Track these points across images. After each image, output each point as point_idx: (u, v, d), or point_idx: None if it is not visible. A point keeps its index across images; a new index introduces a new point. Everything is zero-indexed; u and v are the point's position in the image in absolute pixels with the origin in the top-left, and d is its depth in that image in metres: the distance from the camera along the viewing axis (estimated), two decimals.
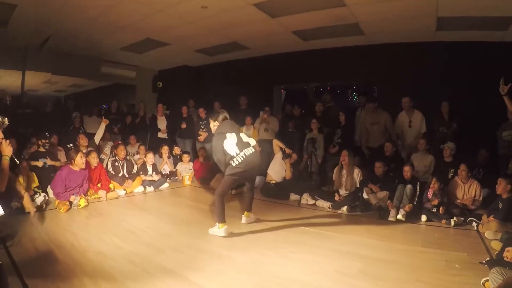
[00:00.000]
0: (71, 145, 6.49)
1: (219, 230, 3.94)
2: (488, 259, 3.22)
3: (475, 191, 4.95)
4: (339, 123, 6.82)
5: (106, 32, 7.14)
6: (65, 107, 8.14)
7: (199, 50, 8.52)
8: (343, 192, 5.58)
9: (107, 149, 7.28)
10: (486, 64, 6.10)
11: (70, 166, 5.31)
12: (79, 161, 5.27)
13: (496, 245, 3.64)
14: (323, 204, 5.53)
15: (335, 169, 5.84)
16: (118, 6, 5.74)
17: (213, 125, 4.30)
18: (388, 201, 5.10)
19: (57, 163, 6.03)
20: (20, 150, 5.95)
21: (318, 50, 7.96)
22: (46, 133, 6.03)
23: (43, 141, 5.91)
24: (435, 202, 4.88)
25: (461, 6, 5.16)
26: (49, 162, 5.87)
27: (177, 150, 7.96)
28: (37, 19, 6.29)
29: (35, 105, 8.03)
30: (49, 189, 5.41)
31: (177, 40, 7.67)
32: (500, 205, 4.29)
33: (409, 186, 4.97)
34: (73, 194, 5.02)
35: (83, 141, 6.20)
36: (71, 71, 9.05)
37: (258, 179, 6.46)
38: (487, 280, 2.67)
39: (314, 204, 5.63)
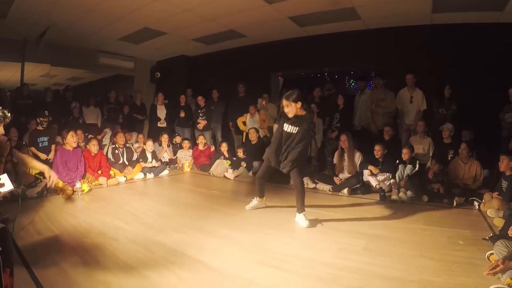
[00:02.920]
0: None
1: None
2: (491, 235, 3.22)
3: (476, 170, 4.95)
4: (337, 108, 6.81)
5: (104, 23, 7.08)
6: (64, 98, 8.11)
7: (197, 39, 8.45)
8: (344, 176, 5.58)
9: (106, 139, 7.30)
10: (482, 46, 6.12)
11: (63, 146, 5.36)
12: (70, 139, 5.31)
13: (498, 222, 3.64)
14: (324, 187, 5.53)
15: (336, 153, 5.84)
16: None
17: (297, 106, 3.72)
18: (391, 180, 5.11)
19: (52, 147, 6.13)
20: (20, 137, 6.03)
21: (315, 37, 7.91)
22: (46, 112, 6.05)
23: (41, 119, 5.95)
24: (436, 186, 4.90)
25: None
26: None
27: (178, 139, 7.96)
28: (35, 11, 6.23)
29: (35, 95, 8.00)
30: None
31: (174, 29, 7.62)
32: (504, 184, 4.27)
33: (409, 166, 4.99)
34: (73, 178, 5.06)
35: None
36: (70, 62, 9.03)
37: (257, 164, 6.53)
38: (492, 254, 2.67)
39: (315, 188, 5.65)
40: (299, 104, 3.64)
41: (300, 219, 3.78)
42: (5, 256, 1.79)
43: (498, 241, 2.65)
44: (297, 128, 3.73)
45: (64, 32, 7.46)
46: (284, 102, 3.65)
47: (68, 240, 3.24)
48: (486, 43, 6.10)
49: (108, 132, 7.59)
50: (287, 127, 3.79)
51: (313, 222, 3.82)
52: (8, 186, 2.45)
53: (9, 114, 2.29)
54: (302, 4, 6.19)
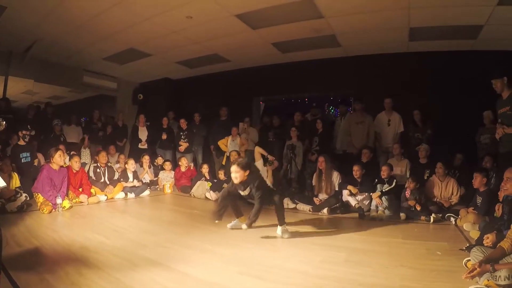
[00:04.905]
0: None
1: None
2: (467, 245, 3.32)
3: (452, 188, 5.14)
4: (316, 131, 6.99)
5: (91, 41, 7.09)
6: (45, 114, 8.02)
7: (181, 62, 8.59)
8: (323, 196, 5.66)
9: (84, 156, 7.21)
10: (458, 72, 6.46)
11: (50, 165, 5.25)
12: (58, 159, 5.21)
13: (474, 234, 3.77)
14: (304, 207, 5.60)
15: (314, 175, 5.96)
16: (106, 13, 5.75)
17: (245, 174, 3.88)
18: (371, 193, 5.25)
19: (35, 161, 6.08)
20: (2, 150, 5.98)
21: (297, 63, 8.17)
22: (28, 126, 6.02)
23: (24, 132, 5.89)
24: (412, 203, 5.02)
25: (432, 15, 5.43)
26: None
27: (159, 161, 7.94)
28: (24, 24, 6.19)
29: (16, 111, 7.88)
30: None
31: (159, 51, 7.72)
32: (479, 199, 4.44)
33: (386, 185, 5.13)
34: (56, 196, 4.94)
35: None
36: (54, 79, 8.89)
37: None
38: (469, 260, 2.77)
39: (295, 208, 5.70)
40: (247, 172, 3.80)
41: (281, 231, 3.87)
42: None
43: (474, 248, 2.76)
44: (248, 188, 3.92)
45: (50, 48, 7.43)
46: (234, 168, 3.81)
47: (49, 252, 3.17)
48: (461, 70, 6.44)
49: (86, 150, 7.51)
50: (238, 190, 4.00)
51: (294, 237, 3.86)
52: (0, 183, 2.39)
53: (4, 123, 2.28)
54: (285, 31, 6.41)
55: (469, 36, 6.06)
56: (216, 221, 4.11)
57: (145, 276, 2.66)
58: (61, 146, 6.30)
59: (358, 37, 6.61)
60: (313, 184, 5.93)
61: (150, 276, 2.65)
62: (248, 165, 3.86)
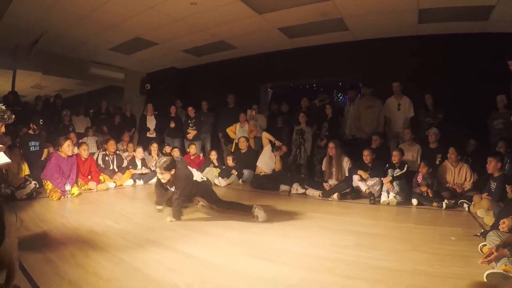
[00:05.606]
0: None
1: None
2: (482, 231, 3.22)
3: (465, 173, 5.01)
4: (326, 117, 6.90)
5: (96, 31, 7.05)
6: (54, 105, 8.07)
7: (187, 50, 8.51)
8: (333, 182, 5.58)
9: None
10: (469, 55, 6.28)
11: (58, 153, 5.28)
12: (66, 148, 5.22)
13: (489, 221, 3.66)
14: (313, 192, 5.52)
15: (324, 160, 5.88)
16: (110, 3, 5.70)
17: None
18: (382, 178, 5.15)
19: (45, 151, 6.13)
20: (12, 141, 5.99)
21: (304, 48, 8.03)
22: (40, 120, 6.09)
23: (34, 126, 5.95)
24: (424, 188, 4.92)
25: None
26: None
27: (167, 149, 7.92)
28: (29, 17, 6.18)
29: (25, 103, 7.93)
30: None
31: (165, 39, 7.64)
32: (493, 185, 4.30)
33: (397, 170, 5.03)
34: (65, 183, 4.96)
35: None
36: (61, 71, 8.92)
37: (246, 172, 6.56)
38: (485, 245, 2.68)
39: (304, 193, 5.62)
40: (172, 171, 3.82)
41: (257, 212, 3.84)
42: None
43: (490, 232, 2.67)
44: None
45: (57, 40, 7.42)
46: (158, 170, 3.84)
47: (56, 235, 3.19)
48: (472, 53, 6.27)
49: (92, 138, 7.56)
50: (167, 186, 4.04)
51: (304, 221, 3.84)
52: (4, 159, 2.36)
53: (13, 116, 2.26)
54: (291, 15, 6.28)
55: (480, 17, 5.85)
56: (158, 207, 4.11)
57: (148, 257, 2.66)
58: (72, 135, 6.41)
59: (365, 20, 6.44)
60: (323, 170, 5.87)
61: (153, 257, 2.65)
62: (172, 165, 3.88)
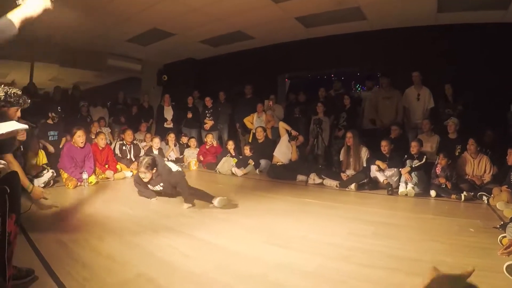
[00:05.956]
0: None
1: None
2: (502, 223, 3.16)
3: (485, 165, 4.91)
4: (344, 107, 6.83)
5: (113, 23, 7.09)
6: (73, 96, 8.22)
7: (204, 41, 8.50)
8: (350, 172, 5.55)
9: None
10: (488, 46, 6.10)
11: (71, 142, 5.38)
12: (77, 139, 5.29)
13: (508, 213, 3.59)
14: (331, 182, 5.50)
15: (342, 150, 5.84)
16: None
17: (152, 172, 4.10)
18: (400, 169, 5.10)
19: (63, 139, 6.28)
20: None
21: (321, 38, 7.91)
22: (59, 107, 6.21)
23: (53, 114, 6.11)
24: (442, 180, 4.85)
25: None
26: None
27: (184, 139, 8.02)
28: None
29: (43, 94, 8.08)
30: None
31: (182, 29, 7.64)
32: None
33: (416, 161, 4.97)
34: (81, 172, 5.05)
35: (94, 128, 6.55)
36: (78, 63, 9.06)
37: (263, 162, 6.58)
38: (504, 237, 2.64)
39: (321, 183, 5.60)
40: (154, 170, 4.03)
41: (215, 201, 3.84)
42: (12, 200, 1.73)
43: (510, 223, 2.63)
44: (161, 183, 4.14)
45: (73, 33, 7.49)
46: (141, 169, 4.00)
47: (71, 220, 3.27)
48: (492, 43, 6.08)
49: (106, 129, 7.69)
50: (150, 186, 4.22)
51: (320, 210, 3.86)
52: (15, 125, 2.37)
53: (28, 101, 2.31)
54: (307, 4, 6.20)
55: (500, 7, 5.66)
56: (152, 199, 4.18)
57: (164, 242, 2.70)
58: (95, 124, 6.66)
59: (383, 9, 6.29)
60: (341, 160, 5.84)
61: (169, 243, 2.68)
62: (154, 164, 4.03)
